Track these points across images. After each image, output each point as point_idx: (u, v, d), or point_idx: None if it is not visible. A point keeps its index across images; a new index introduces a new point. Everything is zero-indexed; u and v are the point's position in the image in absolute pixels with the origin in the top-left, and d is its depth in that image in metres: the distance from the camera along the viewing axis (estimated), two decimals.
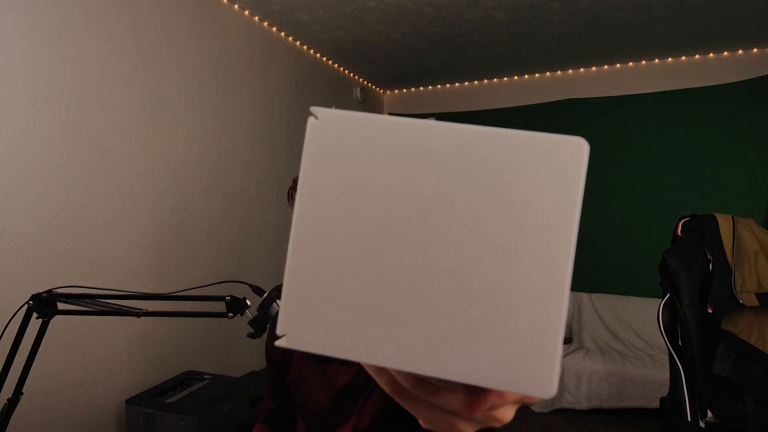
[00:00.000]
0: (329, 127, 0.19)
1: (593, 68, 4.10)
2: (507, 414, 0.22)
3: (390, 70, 4.22)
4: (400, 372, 0.22)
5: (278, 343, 0.19)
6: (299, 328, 0.18)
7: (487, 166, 0.18)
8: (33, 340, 0.97)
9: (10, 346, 0.95)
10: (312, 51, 3.73)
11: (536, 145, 0.18)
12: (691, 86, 3.73)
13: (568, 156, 0.18)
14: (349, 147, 0.19)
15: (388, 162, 0.18)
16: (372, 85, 4.71)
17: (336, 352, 0.18)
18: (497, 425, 0.23)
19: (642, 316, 3.57)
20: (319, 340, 0.18)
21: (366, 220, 0.18)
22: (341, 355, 0.18)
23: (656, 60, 3.89)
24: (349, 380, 0.95)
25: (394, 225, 0.18)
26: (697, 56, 3.77)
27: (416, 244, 0.18)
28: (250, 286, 0.88)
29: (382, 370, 0.23)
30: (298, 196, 0.19)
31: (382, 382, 0.23)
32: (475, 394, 0.19)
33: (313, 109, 0.19)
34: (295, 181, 0.95)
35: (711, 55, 3.74)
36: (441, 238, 0.18)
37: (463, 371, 0.17)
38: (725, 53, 3.69)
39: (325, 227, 0.18)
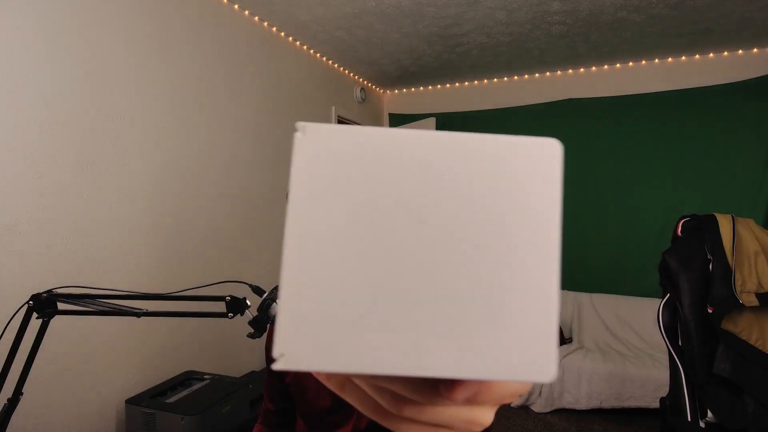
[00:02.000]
0: (315, 141, 0.19)
1: (593, 68, 4.10)
2: (488, 417, 0.22)
3: (390, 70, 4.22)
4: (383, 395, 0.22)
5: (276, 366, 0.17)
6: (299, 348, 0.17)
7: (474, 171, 0.19)
8: (33, 340, 0.97)
9: (10, 346, 0.95)
10: (312, 51, 3.73)
11: (515, 149, 0.19)
12: (691, 86, 3.73)
13: (547, 157, 0.19)
14: (338, 159, 0.19)
15: (379, 171, 0.19)
16: (372, 85, 4.71)
17: (341, 368, 0.17)
18: (478, 429, 0.23)
19: (642, 316, 3.57)
20: (322, 358, 0.17)
21: (362, 230, 0.18)
22: (346, 370, 0.18)
23: (656, 60, 3.89)
24: None
25: (391, 231, 0.18)
26: (697, 56, 3.77)
27: (415, 248, 0.18)
28: (250, 286, 0.88)
29: (365, 398, 0.23)
30: (289, 210, 0.18)
31: (365, 409, 0.23)
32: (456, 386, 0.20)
33: (299, 124, 0.19)
34: None
35: (711, 55, 3.73)
36: (439, 240, 0.18)
37: (469, 368, 0.18)
38: (725, 53, 3.69)
39: (319, 240, 0.18)
